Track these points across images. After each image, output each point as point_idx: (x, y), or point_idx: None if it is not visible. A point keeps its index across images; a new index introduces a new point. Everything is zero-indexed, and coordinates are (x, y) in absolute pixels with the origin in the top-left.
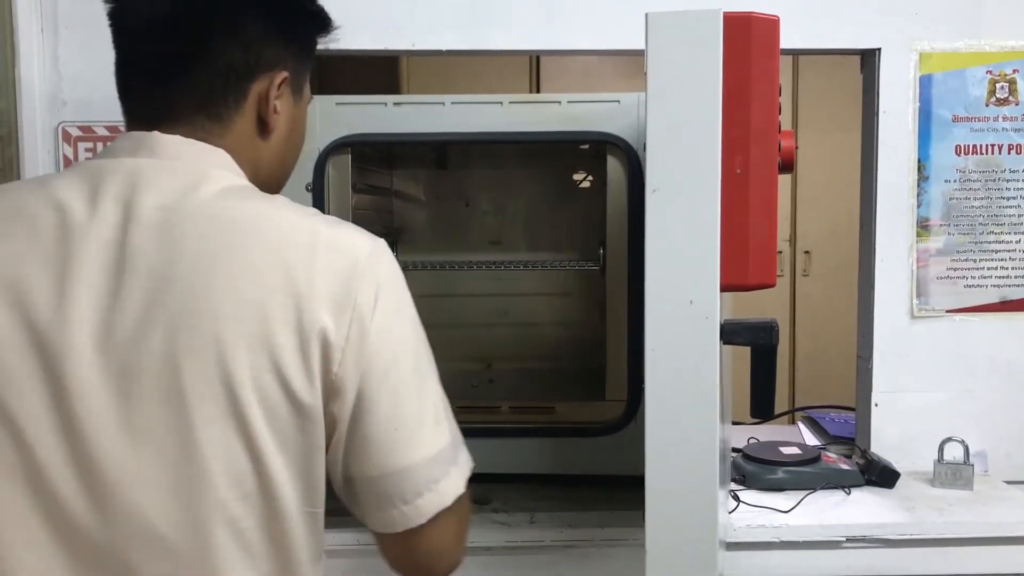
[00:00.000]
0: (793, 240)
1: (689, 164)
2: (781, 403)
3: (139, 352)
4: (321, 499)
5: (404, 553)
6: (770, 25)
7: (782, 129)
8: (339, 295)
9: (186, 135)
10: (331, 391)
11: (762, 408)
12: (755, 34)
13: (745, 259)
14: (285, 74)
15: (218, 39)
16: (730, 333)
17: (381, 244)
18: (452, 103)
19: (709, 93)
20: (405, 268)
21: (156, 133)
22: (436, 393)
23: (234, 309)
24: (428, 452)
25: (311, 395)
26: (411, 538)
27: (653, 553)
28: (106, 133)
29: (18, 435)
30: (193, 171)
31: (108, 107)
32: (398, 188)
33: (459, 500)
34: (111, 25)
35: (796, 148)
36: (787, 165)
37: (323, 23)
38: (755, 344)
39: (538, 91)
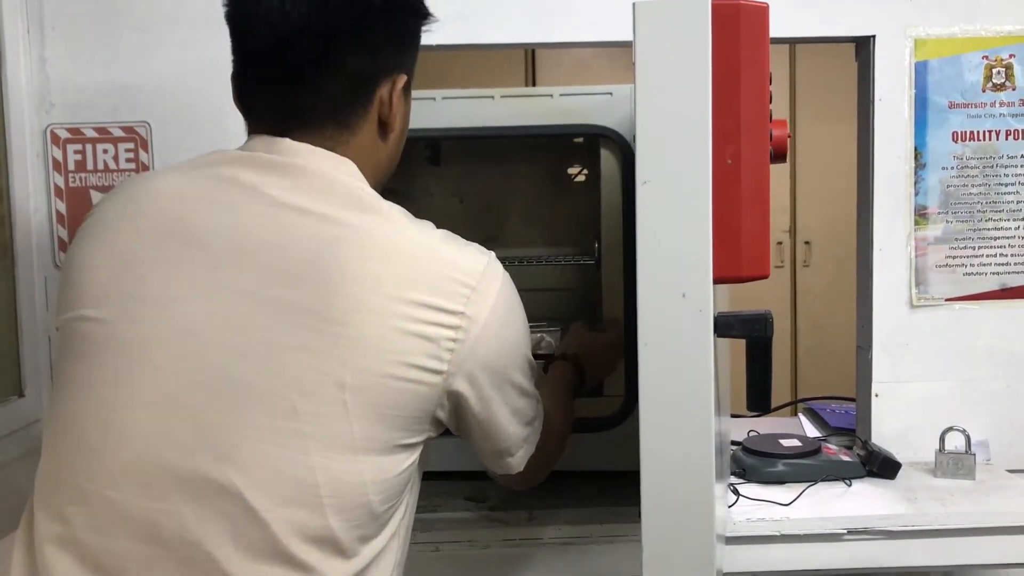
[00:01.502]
0: (793, 231)
1: (679, 155)
2: (783, 395)
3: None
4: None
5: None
6: (759, 13)
7: (774, 118)
8: (453, 306)
9: (314, 143)
10: (444, 396)
11: (759, 401)
12: (744, 22)
13: (738, 250)
14: (405, 77)
15: (346, 47)
16: (724, 326)
17: (493, 259)
18: (443, 98)
19: (698, 83)
20: None
21: (288, 140)
22: (527, 394)
23: (360, 325)
24: (518, 437)
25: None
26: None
27: (650, 548)
28: (94, 135)
29: None
30: (324, 180)
31: (96, 108)
32: (391, 185)
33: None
34: (232, 33)
35: (789, 137)
36: (779, 155)
37: (426, 16)
38: (749, 336)
39: (534, 85)
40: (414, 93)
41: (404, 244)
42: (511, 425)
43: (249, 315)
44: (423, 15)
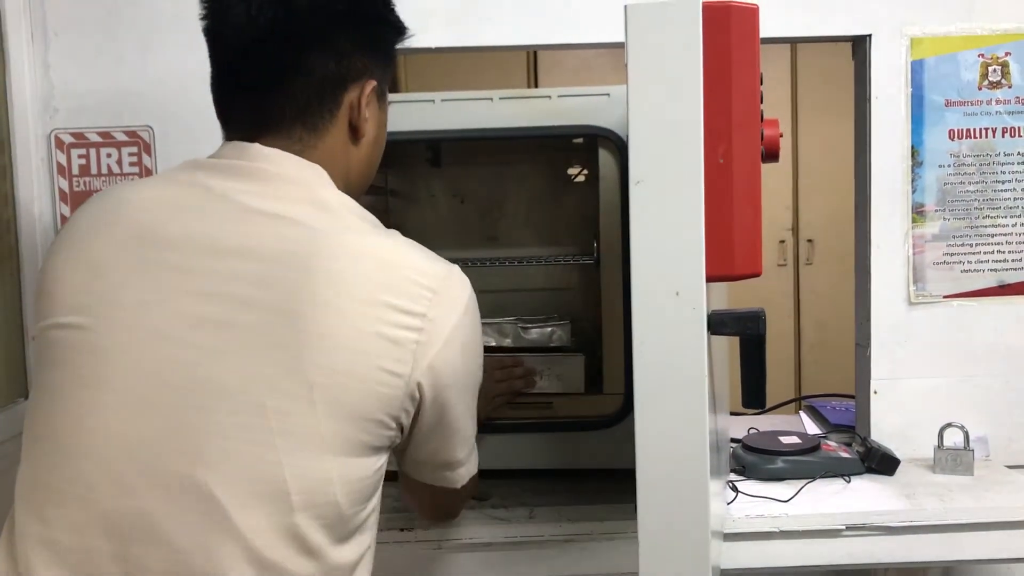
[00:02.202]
0: (795, 229)
1: (671, 155)
2: (786, 392)
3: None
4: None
5: (432, 499)
6: (749, 13)
7: (766, 118)
8: (417, 308)
9: (283, 146)
10: (408, 399)
11: (754, 398)
12: (735, 23)
13: (730, 249)
14: (374, 82)
15: (313, 53)
16: (717, 324)
17: (459, 272)
18: (442, 100)
19: (689, 83)
20: None
21: (257, 145)
22: (473, 418)
23: (328, 326)
24: (466, 450)
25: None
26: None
27: (645, 545)
28: (98, 139)
29: None
30: (292, 185)
31: (99, 113)
32: (393, 187)
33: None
34: (208, 42)
35: (781, 136)
36: (771, 154)
37: (401, 31)
38: (743, 334)
39: (536, 87)
40: (414, 96)
41: (370, 248)
42: (462, 437)
43: (219, 316)
44: (392, 25)
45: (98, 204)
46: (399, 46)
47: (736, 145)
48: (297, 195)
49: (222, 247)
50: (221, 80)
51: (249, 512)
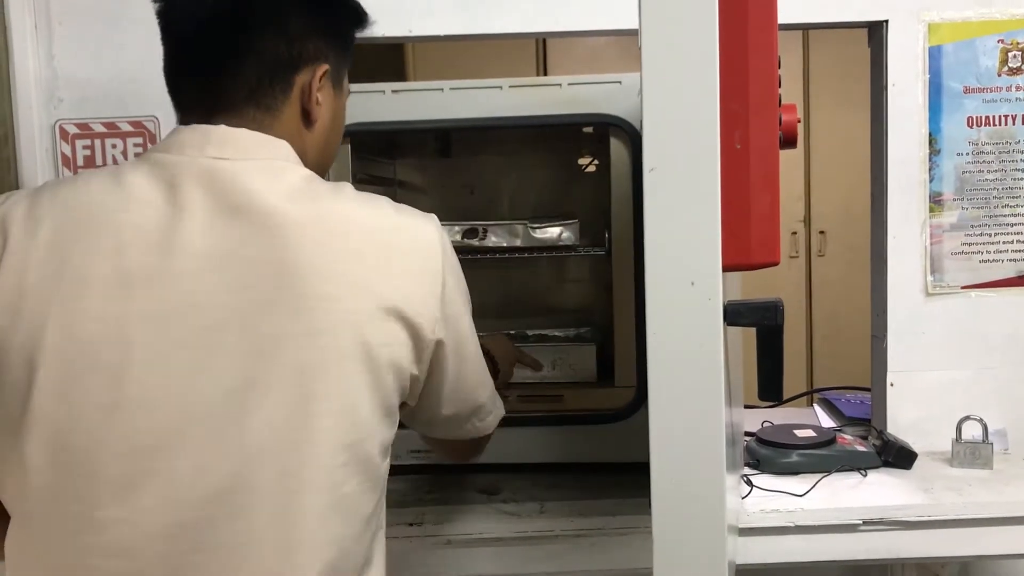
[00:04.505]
0: (808, 220)
1: (687, 141)
2: (798, 385)
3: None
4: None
5: (464, 445)
6: None
7: (783, 103)
8: (420, 273)
9: (237, 125)
10: (421, 355)
11: (770, 391)
12: (752, 4)
13: (747, 237)
14: (326, 66)
15: (264, 34)
16: (734, 314)
17: (436, 221)
18: (451, 89)
19: (706, 67)
20: None
21: (223, 127)
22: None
23: (337, 291)
24: (490, 389)
25: (411, 363)
26: (479, 440)
27: (660, 540)
28: (103, 129)
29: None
30: (265, 166)
31: (104, 103)
32: (402, 178)
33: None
34: (160, 25)
35: (799, 122)
36: (789, 140)
37: (359, 18)
38: (760, 324)
39: (545, 75)
40: (422, 84)
41: (359, 218)
42: (485, 375)
43: (235, 310)
44: (350, 10)
45: (56, 199)
46: (367, 35)
47: (753, 130)
48: (272, 178)
49: (205, 250)
50: (173, 63)
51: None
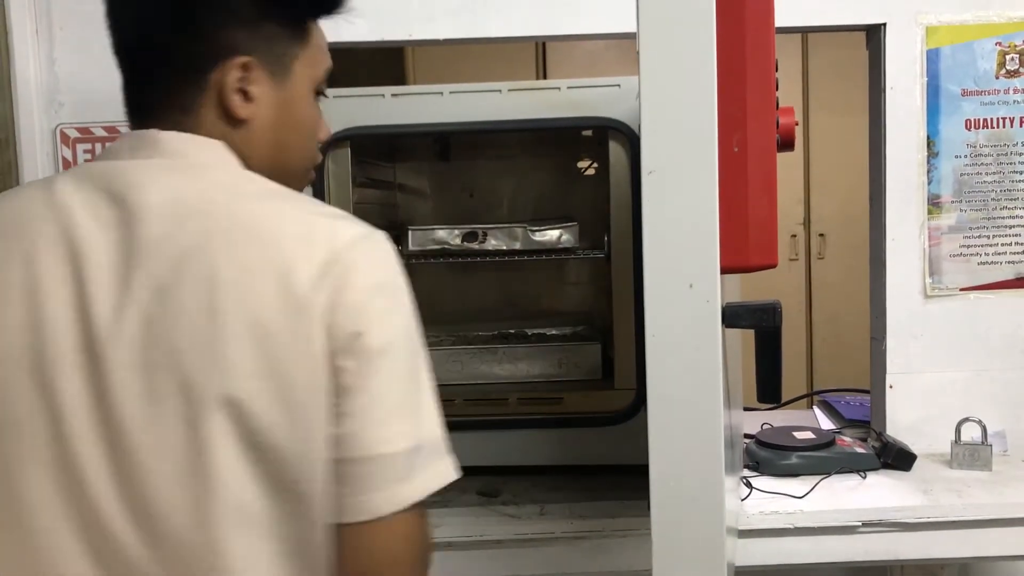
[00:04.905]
0: (807, 223)
1: (685, 144)
2: (798, 387)
3: (157, 347)
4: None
5: (351, 553)
6: None
7: (781, 106)
8: (333, 283)
9: (165, 129)
10: (326, 376)
11: (769, 392)
12: (749, 7)
13: (745, 239)
14: (245, 59)
15: (173, 33)
16: (732, 316)
17: (379, 234)
18: (451, 92)
19: (703, 70)
20: (411, 260)
21: (154, 131)
22: (421, 391)
23: (235, 298)
24: (399, 446)
25: (310, 383)
26: (362, 533)
27: (659, 542)
28: (104, 134)
29: (58, 430)
30: (192, 167)
31: (105, 107)
32: (401, 181)
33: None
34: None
35: (797, 125)
36: (787, 143)
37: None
38: (758, 327)
39: (544, 79)
40: (422, 88)
41: (265, 220)
42: (403, 409)
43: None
44: None
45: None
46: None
47: (751, 133)
48: (196, 179)
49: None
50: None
51: None
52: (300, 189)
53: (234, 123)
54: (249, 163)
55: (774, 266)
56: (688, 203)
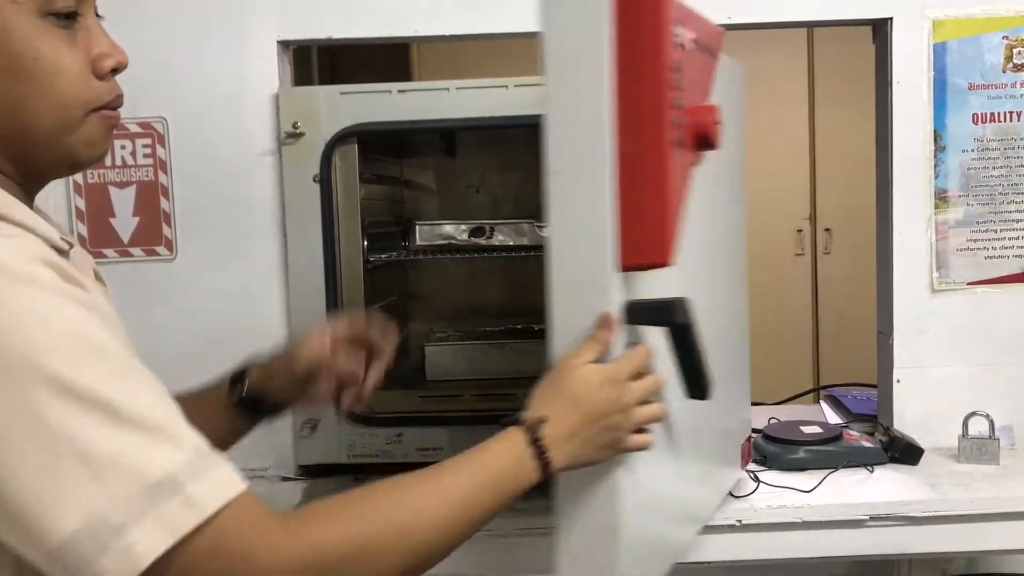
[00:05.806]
0: (813, 218)
1: (583, 144)
2: (805, 382)
3: None
4: None
5: None
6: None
7: (704, 105)
8: None
9: None
10: None
11: (693, 388)
12: (644, 9)
13: (640, 238)
14: None
15: None
16: (632, 313)
17: None
18: (457, 88)
19: (598, 72)
20: (418, 255)
21: None
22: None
23: None
24: (71, 525)
25: None
26: None
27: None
28: None
29: None
30: None
31: None
32: (408, 177)
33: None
34: None
35: (717, 124)
36: (706, 142)
37: None
38: (658, 324)
39: None
40: (428, 84)
41: None
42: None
43: None
44: None
45: None
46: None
47: (647, 133)
48: None
49: None
50: None
51: None
52: (69, 157)
53: None
54: None
55: (667, 265)
56: (586, 203)
